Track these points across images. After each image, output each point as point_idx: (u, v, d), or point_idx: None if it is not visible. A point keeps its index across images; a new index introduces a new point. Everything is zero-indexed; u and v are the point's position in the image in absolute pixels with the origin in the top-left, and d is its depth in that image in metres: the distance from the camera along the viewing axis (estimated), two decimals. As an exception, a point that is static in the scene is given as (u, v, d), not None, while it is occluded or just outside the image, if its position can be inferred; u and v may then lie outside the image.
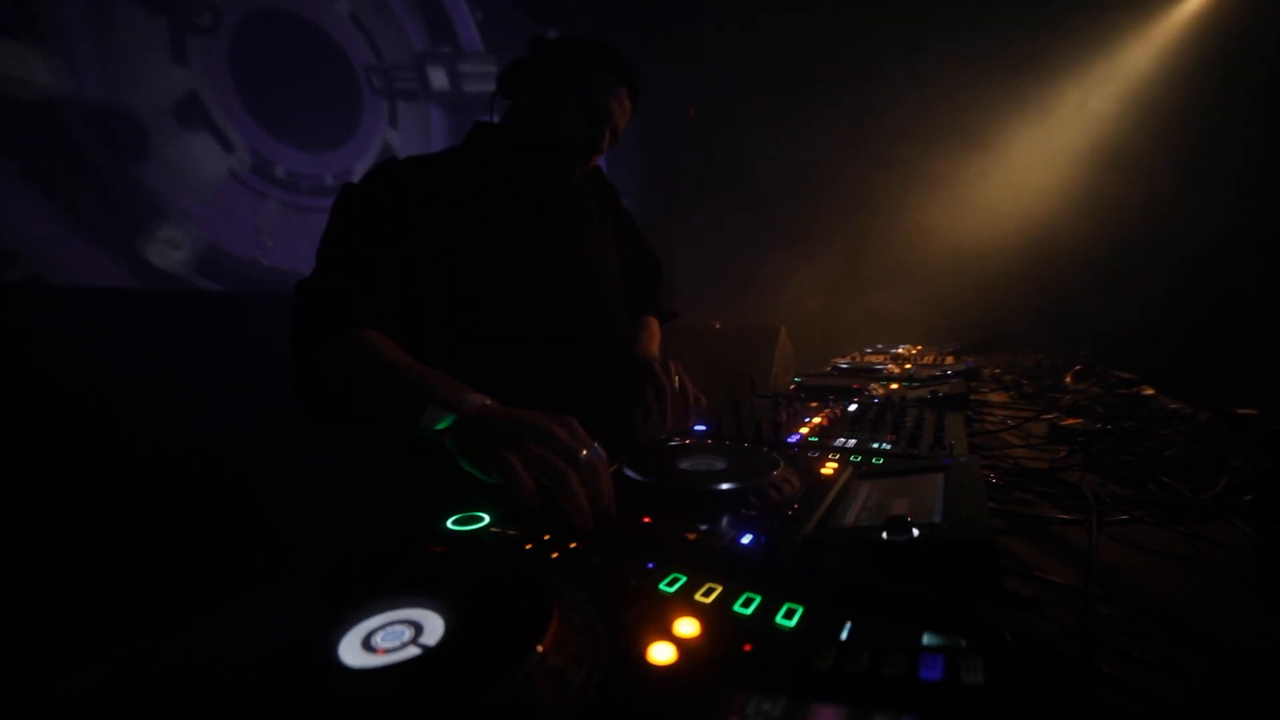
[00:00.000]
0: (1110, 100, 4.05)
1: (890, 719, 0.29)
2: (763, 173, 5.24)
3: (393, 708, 0.30)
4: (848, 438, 0.94)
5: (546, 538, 0.55)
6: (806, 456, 0.83)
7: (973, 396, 1.35)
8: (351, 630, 0.36)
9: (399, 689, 0.31)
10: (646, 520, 0.59)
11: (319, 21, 2.61)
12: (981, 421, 1.27)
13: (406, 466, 1.08)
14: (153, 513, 1.84)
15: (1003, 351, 3.07)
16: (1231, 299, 3.42)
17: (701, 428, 1.00)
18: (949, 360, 2.14)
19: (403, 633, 0.36)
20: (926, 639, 0.35)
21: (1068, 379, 1.73)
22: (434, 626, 0.36)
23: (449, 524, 0.59)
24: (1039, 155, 4.27)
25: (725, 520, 0.58)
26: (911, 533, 0.43)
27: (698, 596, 0.43)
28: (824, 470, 0.75)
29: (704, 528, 0.56)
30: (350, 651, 0.34)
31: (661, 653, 0.36)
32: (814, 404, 1.26)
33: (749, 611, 0.40)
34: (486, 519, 0.59)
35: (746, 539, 0.54)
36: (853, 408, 1.20)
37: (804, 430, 1.00)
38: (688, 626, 0.38)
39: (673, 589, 0.44)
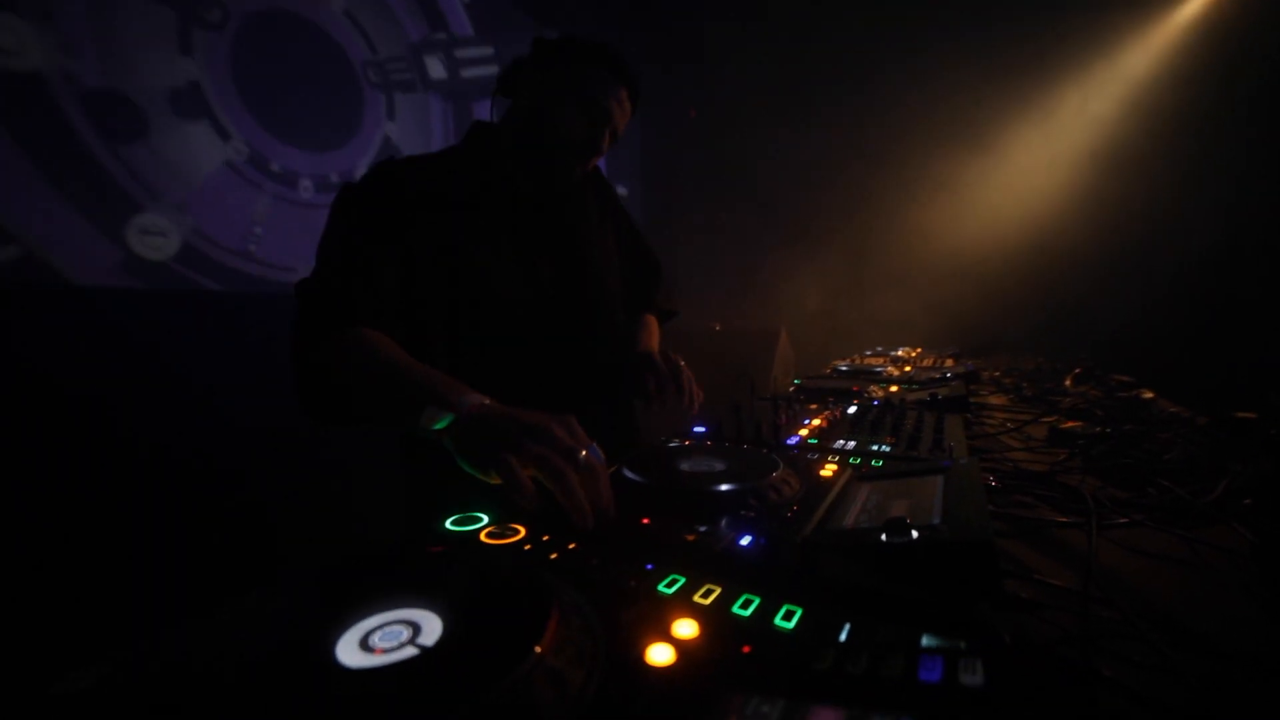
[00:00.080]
0: (1110, 103, 4.06)
1: (889, 721, 0.29)
2: (763, 174, 5.24)
3: (390, 708, 0.30)
4: (847, 440, 0.94)
5: (546, 538, 0.55)
6: (806, 458, 0.83)
7: (972, 399, 1.35)
8: (350, 630, 0.36)
9: (397, 689, 0.31)
10: (645, 521, 0.59)
11: (319, 21, 2.62)
12: (981, 424, 1.27)
13: (406, 466, 1.08)
14: (153, 513, 1.84)
15: (1002, 354, 3.07)
16: (1232, 302, 3.42)
17: (701, 429, 1.01)
18: (948, 363, 2.14)
19: (401, 633, 0.36)
20: (926, 641, 0.35)
21: (1067, 382, 1.73)
22: (432, 627, 0.36)
23: (447, 525, 0.59)
24: (1040, 158, 4.27)
25: (724, 522, 0.58)
26: (911, 535, 0.43)
27: (696, 598, 0.43)
28: (823, 472, 0.75)
29: (703, 529, 0.56)
30: (348, 651, 0.34)
31: (660, 654, 0.36)
32: (813, 406, 1.26)
33: (748, 613, 0.40)
34: (485, 519, 0.59)
35: (746, 540, 0.54)
36: (852, 410, 1.20)
37: (803, 432, 1.00)
38: (686, 628, 0.38)
39: (672, 590, 0.44)
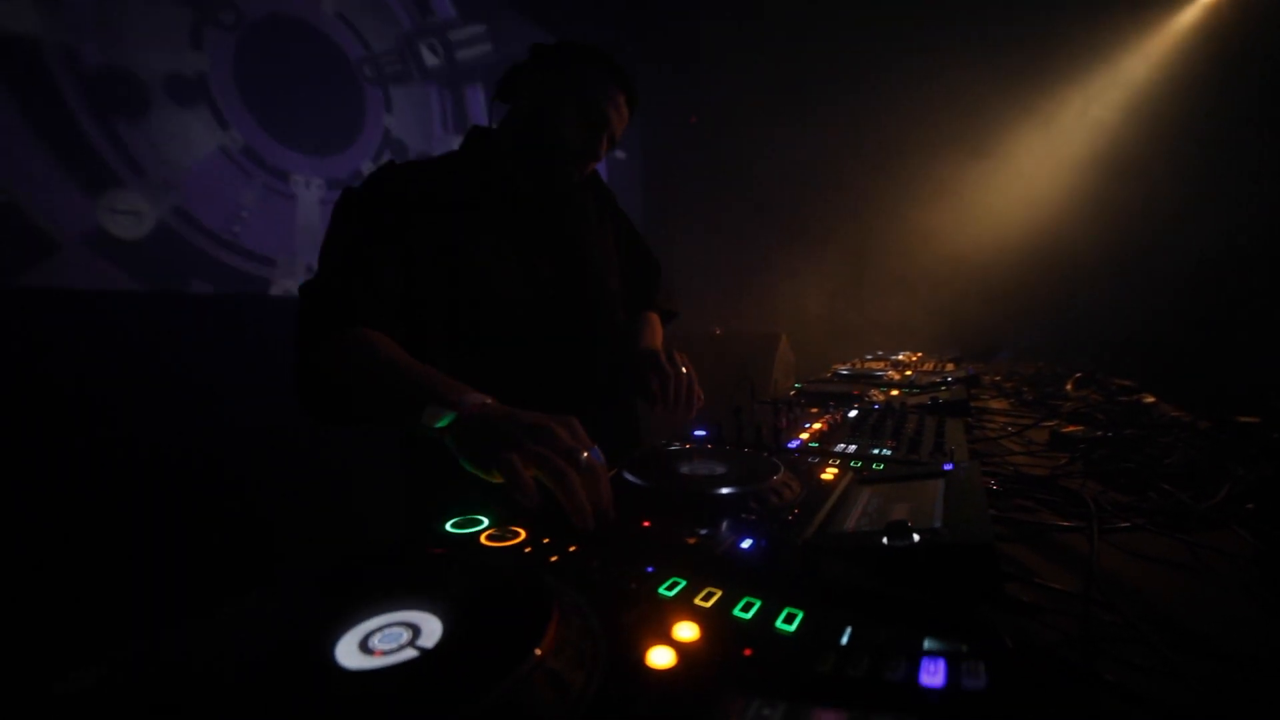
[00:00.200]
0: (1111, 108, 4.07)
1: (890, 724, 0.29)
2: (763, 177, 5.25)
3: (390, 710, 0.30)
4: (848, 443, 0.94)
5: (546, 541, 0.55)
6: (806, 462, 0.82)
7: (973, 403, 1.35)
8: (349, 632, 0.36)
9: (396, 691, 0.31)
10: (646, 524, 0.59)
11: (318, 24, 2.63)
12: (982, 428, 1.26)
13: (406, 467, 1.08)
14: (153, 513, 1.84)
15: (1003, 359, 3.07)
16: (1233, 305, 3.42)
17: (702, 433, 1.00)
18: (949, 367, 2.14)
19: (400, 634, 0.36)
20: (928, 644, 0.35)
21: (1068, 386, 1.73)
22: (432, 629, 0.36)
23: (447, 527, 0.59)
24: (1041, 161, 4.28)
25: (725, 525, 0.58)
26: (912, 538, 0.43)
27: (697, 600, 0.43)
28: (824, 476, 0.75)
29: (704, 532, 0.56)
30: (348, 653, 0.34)
31: (661, 656, 0.35)
32: (814, 410, 1.26)
33: (749, 616, 0.40)
34: (485, 522, 0.59)
35: (747, 543, 0.54)
36: (853, 414, 1.20)
37: (804, 436, 1.00)
38: (687, 630, 0.38)
39: (672, 593, 0.44)
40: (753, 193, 5.32)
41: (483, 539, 0.56)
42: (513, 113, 1.11)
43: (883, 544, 0.44)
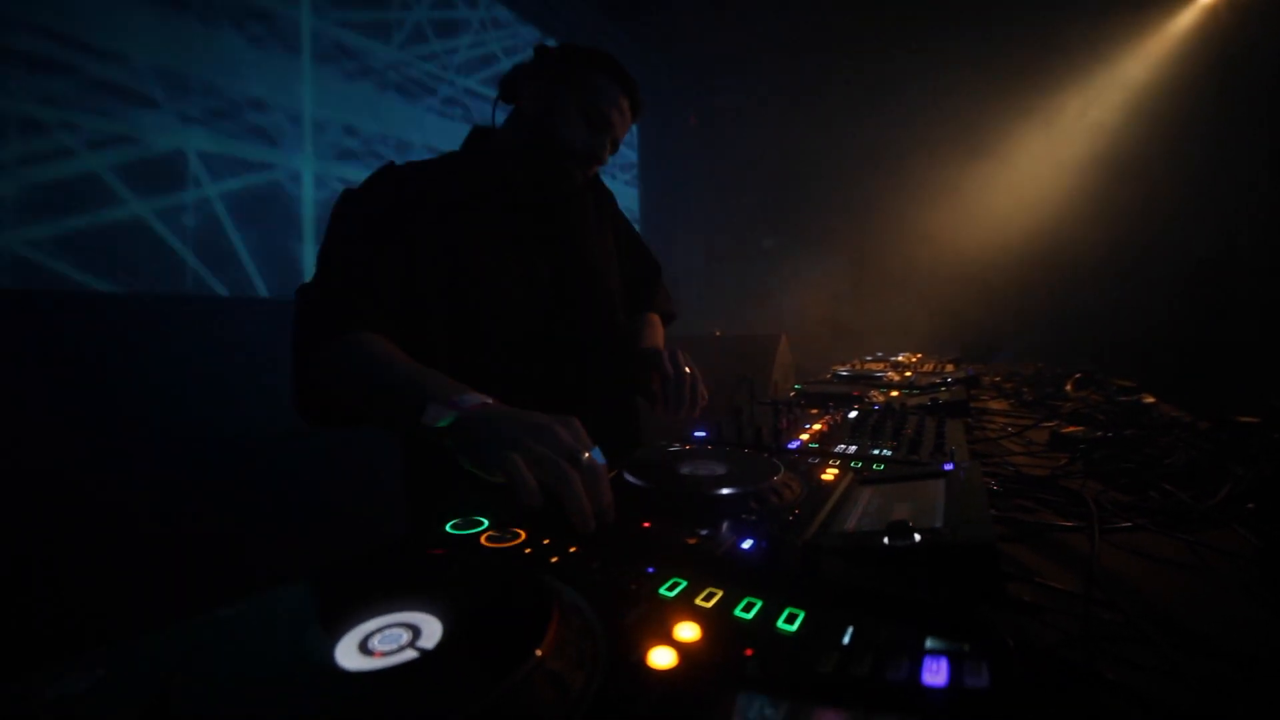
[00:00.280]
0: (1111, 109, 4.08)
1: (893, 723, 0.29)
2: (764, 178, 5.26)
3: (390, 711, 0.30)
4: (848, 444, 0.94)
5: (546, 542, 0.54)
6: (807, 462, 0.82)
7: (973, 404, 1.34)
8: (349, 633, 0.36)
9: (396, 692, 0.31)
10: (647, 525, 0.59)
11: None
12: (982, 429, 1.26)
13: (407, 467, 1.08)
14: (153, 512, 1.84)
15: (1003, 361, 3.07)
16: (1233, 306, 3.42)
17: (701, 434, 1.00)
18: (949, 368, 2.14)
19: (400, 635, 0.35)
20: (930, 643, 0.35)
21: (1068, 387, 1.73)
22: (432, 630, 0.36)
23: (448, 528, 0.58)
24: (1042, 163, 4.29)
25: (726, 525, 0.58)
26: (913, 537, 0.43)
27: (698, 601, 0.42)
28: (824, 476, 0.74)
29: (704, 532, 0.56)
30: (347, 654, 0.34)
31: (662, 657, 0.35)
32: (814, 411, 1.26)
33: (750, 616, 0.40)
34: (485, 523, 0.59)
35: (747, 544, 0.53)
36: (853, 415, 1.20)
37: (804, 437, 1.00)
38: (688, 630, 0.38)
39: (673, 593, 0.44)
40: (753, 193, 5.32)
41: (483, 540, 0.56)
42: (515, 114, 1.11)
43: (884, 544, 0.44)
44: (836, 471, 0.76)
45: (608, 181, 1.37)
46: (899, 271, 4.75)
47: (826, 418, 1.16)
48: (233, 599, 0.41)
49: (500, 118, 1.13)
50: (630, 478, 0.68)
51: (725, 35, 4.95)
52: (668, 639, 0.37)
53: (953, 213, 4.54)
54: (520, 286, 1.08)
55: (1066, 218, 4.09)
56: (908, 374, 1.98)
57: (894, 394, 1.55)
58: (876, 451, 0.88)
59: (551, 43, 1.09)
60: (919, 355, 2.80)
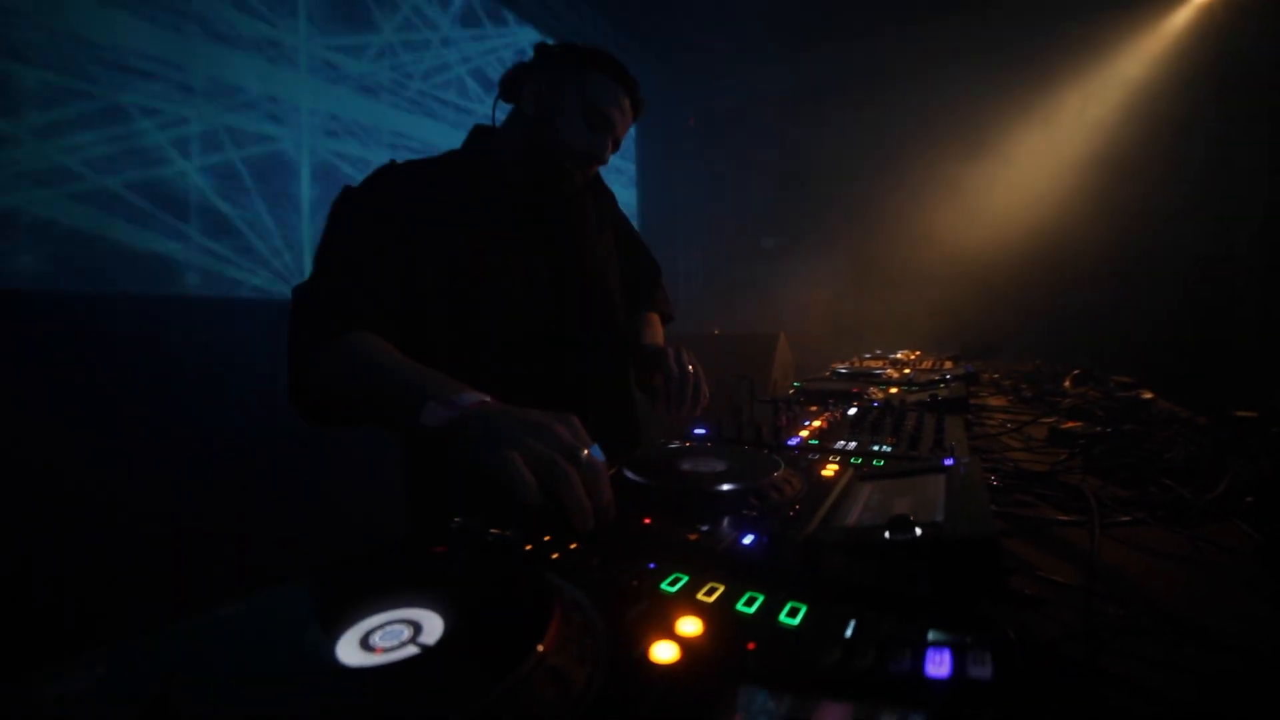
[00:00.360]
0: (1109, 108, 4.09)
1: (897, 716, 0.29)
2: (764, 177, 5.26)
3: (391, 707, 0.30)
4: (848, 440, 0.94)
5: (547, 539, 0.54)
6: (807, 459, 0.82)
7: (972, 400, 1.34)
8: (350, 629, 0.36)
9: (397, 688, 0.31)
10: (647, 521, 0.58)
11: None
12: (981, 425, 1.26)
13: (406, 466, 1.08)
14: (153, 512, 1.84)
15: (1001, 359, 3.07)
16: (1232, 305, 3.43)
17: (701, 432, 1.00)
18: (948, 365, 2.14)
19: (401, 632, 0.35)
20: (932, 635, 0.35)
21: (1066, 383, 1.73)
22: (433, 626, 0.36)
23: (448, 525, 0.58)
24: (1041, 161, 4.30)
25: (726, 521, 0.57)
26: (914, 532, 0.43)
27: (700, 596, 0.42)
28: (825, 472, 0.74)
29: (705, 528, 0.56)
30: (348, 651, 0.34)
31: (664, 652, 0.35)
32: (814, 408, 1.26)
33: (752, 610, 0.40)
34: (486, 520, 0.59)
35: (748, 539, 0.53)
36: (852, 411, 1.20)
37: (804, 434, 1.00)
38: (690, 625, 0.38)
39: (675, 589, 0.44)
40: (753, 193, 5.32)
41: (484, 537, 0.56)
42: (516, 113, 1.10)
43: (885, 538, 0.44)
44: (836, 468, 0.76)
45: (608, 181, 1.37)
46: (898, 270, 4.75)
47: (826, 415, 1.16)
48: (233, 597, 0.41)
49: (500, 117, 1.13)
50: (630, 475, 0.68)
51: (725, 35, 4.95)
52: (670, 634, 0.37)
53: (952, 211, 4.55)
54: (520, 286, 1.08)
55: (1066, 216, 4.10)
56: (907, 371, 1.98)
57: (893, 391, 1.55)
58: (876, 448, 0.88)
59: (551, 43, 1.09)
60: (918, 353, 2.80)
